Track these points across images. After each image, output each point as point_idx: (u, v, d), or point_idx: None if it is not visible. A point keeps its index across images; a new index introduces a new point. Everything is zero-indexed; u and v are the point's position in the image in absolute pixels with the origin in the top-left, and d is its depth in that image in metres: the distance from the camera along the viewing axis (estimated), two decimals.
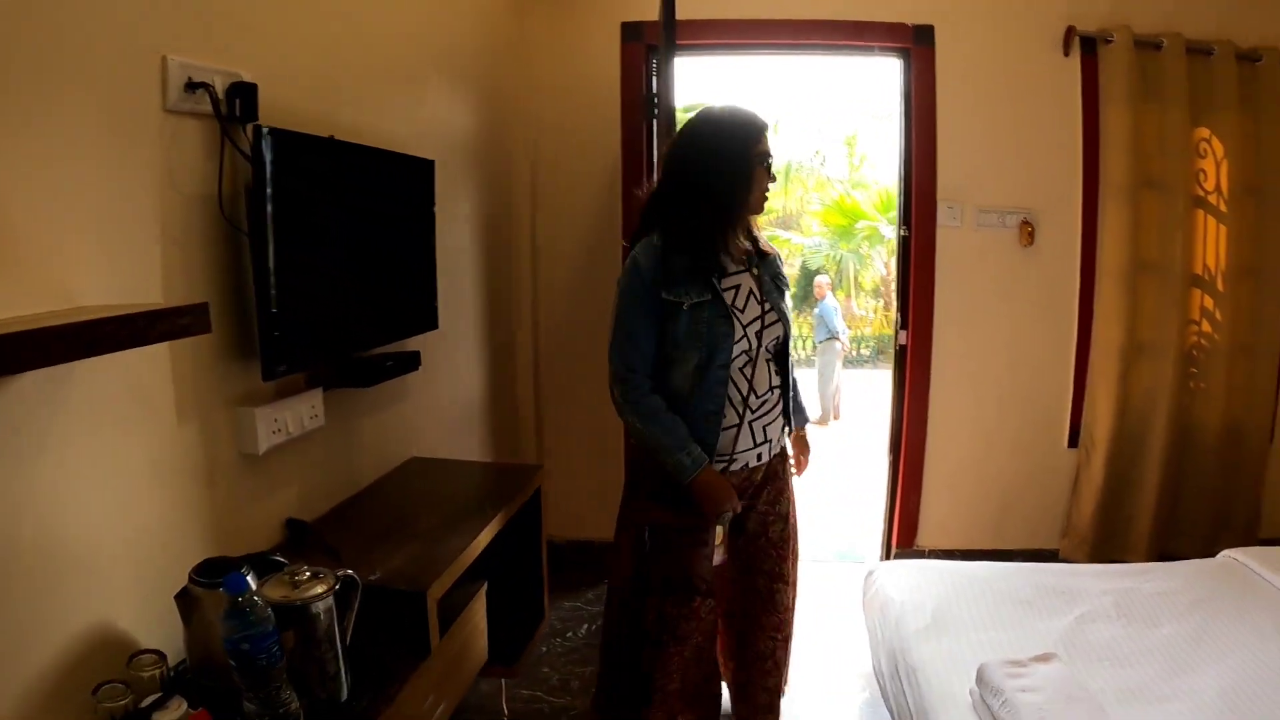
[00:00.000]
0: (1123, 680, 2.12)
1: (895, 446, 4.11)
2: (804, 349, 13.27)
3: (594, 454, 4.05)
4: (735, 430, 2.23)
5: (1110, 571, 2.88)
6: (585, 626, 3.50)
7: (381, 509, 2.42)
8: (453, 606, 2.14)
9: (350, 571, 1.71)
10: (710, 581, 2.29)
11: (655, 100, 3.47)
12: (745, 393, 2.22)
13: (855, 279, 18.86)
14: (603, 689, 2.44)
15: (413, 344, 2.70)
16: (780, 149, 19.33)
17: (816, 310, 10.11)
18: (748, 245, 2.30)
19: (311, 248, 2.08)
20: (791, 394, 2.42)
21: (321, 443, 2.32)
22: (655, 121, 3.45)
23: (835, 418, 9.98)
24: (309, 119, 2.15)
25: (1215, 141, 3.86)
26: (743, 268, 2.25)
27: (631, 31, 3.73)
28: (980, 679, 2.02)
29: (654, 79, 3.58)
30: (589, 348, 3.91)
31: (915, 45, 3.77)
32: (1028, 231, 3.84)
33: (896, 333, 4.06)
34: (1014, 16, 3.78)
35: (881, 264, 18.41)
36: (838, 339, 9.67)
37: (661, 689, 2.29)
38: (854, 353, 16.35)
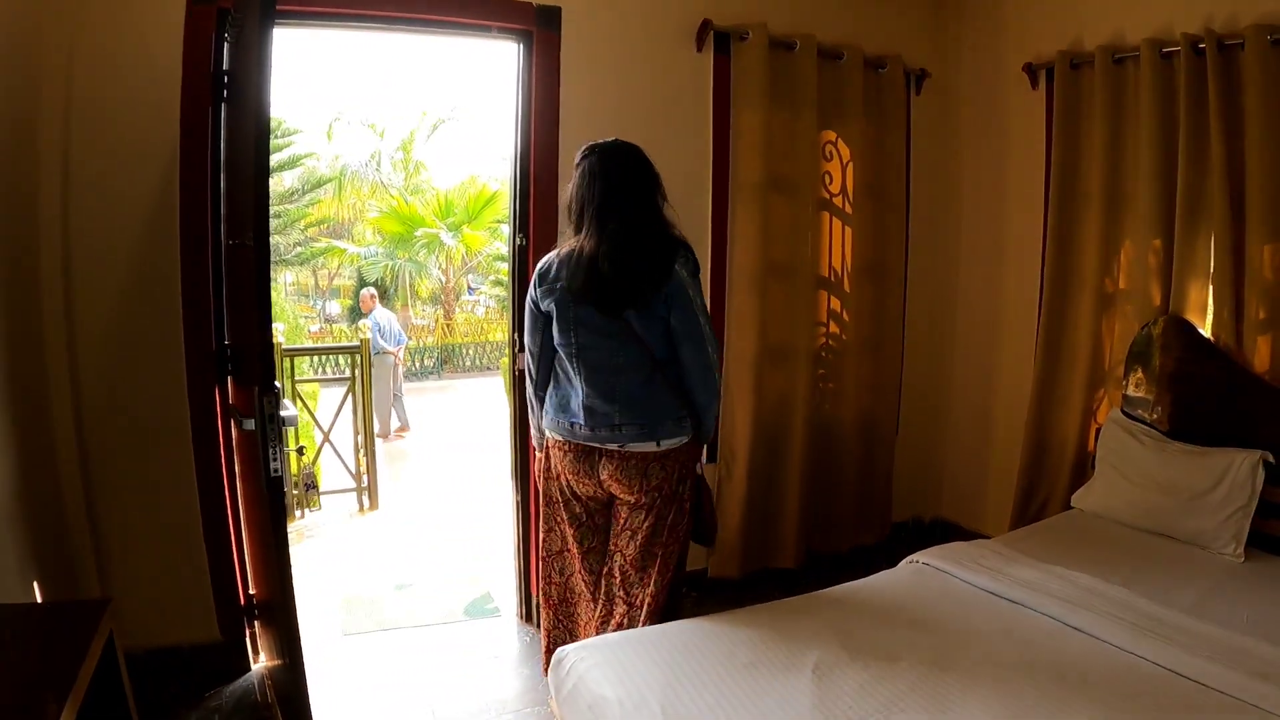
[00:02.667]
0: None
1: (523, 479, 3.63)
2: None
3: (168, 540, 3.13)
4: None
5: (812, 603, 2.66)
6: None
7: None
8: None
9: None
10: None
11: (226, 81, 2.82)
12: None
13: (412, 287, 18.48)
14: None
15: None
16: (334, 153, 18.40)
17: (359, 323, 9.65)
18: None
19: None
20: None
21: None
22: (224, 107, 2.82)
23: (405, 430, 9.56)
24: None
25: (841, 145, 3.96)
26: None
27: None
28: None
29: (224, 53, 2.88)
30: (152, 402, 3.05)
31: (539, 28, 3.41)
32: None
33: (514, 354, 3.51)
34: (648, 5, 3.58)
35: (439, 271, 18.19)
36: (390, 352, 9.28)
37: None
38: (416, 365, 15.94)
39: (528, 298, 2.63)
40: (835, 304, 4.05)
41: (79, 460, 2.99)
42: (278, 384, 2.16)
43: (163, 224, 3.00)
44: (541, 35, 3.41)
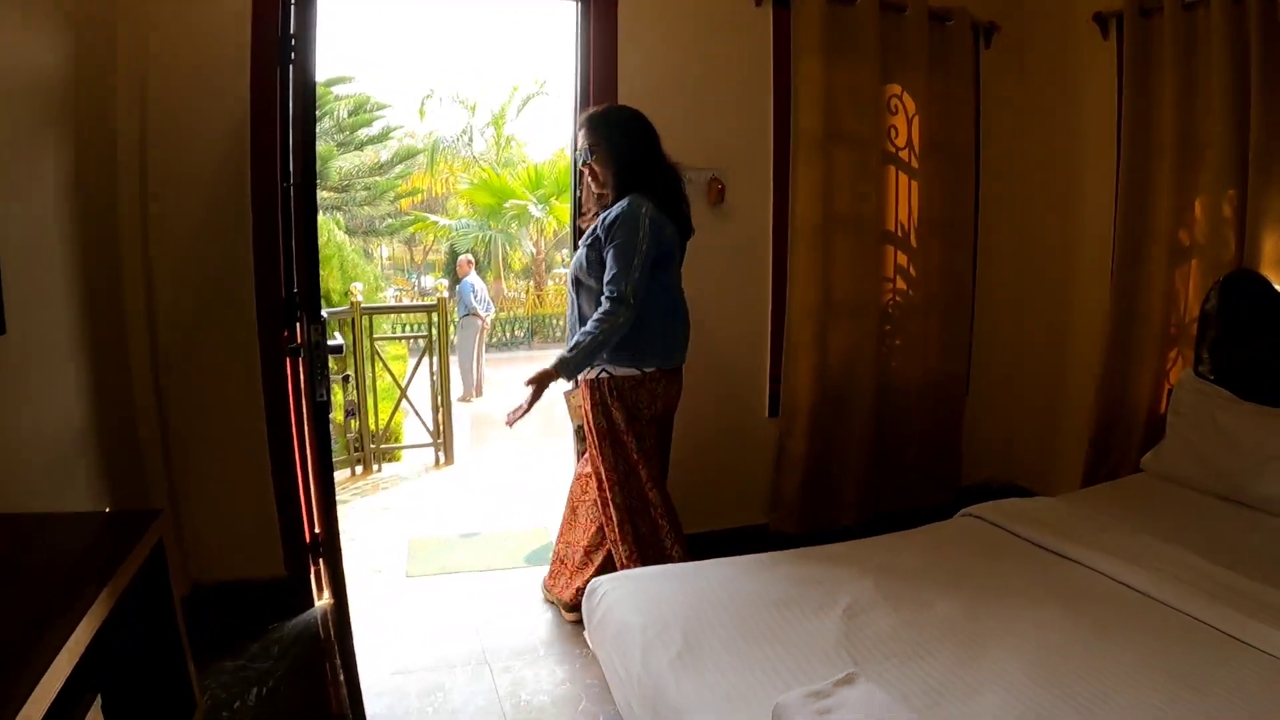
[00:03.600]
0: (922, 676, 1.88)
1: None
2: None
3: (238, 478, 3.29)
4: None
5: (855, 550, 2.69)
6: (254, 691, 2.77)
7: None
8: None
9: None
10: None
11: (293, 43, 2.89)
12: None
13: (505, 260, 18.77)
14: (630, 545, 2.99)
15: None
16: (427, 128, 18.80)
17: (456, 288, 10.06)
18: None
19: None
20: None
21: None
22: (292, 68, 2.89)
23: (478, 394, 9.77)
24: None
25: (906, 98, 3.90)
26: None
27: None
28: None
29: (290, 17, 2.96)
30: (225, 346, 3.20)
31: None
32: (717, 189, 3.65)
33: None
34: None
35: (530, 244, 18.45)
36: (477, 315, 9.63)
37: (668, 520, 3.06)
38: (507, 335, 16.23)
39: (649, 245, 2.84)
40: (902, 259, 4.00)
41: (155, 399, 3.17)
42: (325, 313, 2.26)
43: (235, 178, 3.14)
44: None
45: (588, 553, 3.24)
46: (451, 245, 18.87)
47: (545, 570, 3.56)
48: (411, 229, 19.41)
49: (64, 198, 2.60)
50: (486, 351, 10.58)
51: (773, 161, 3.74)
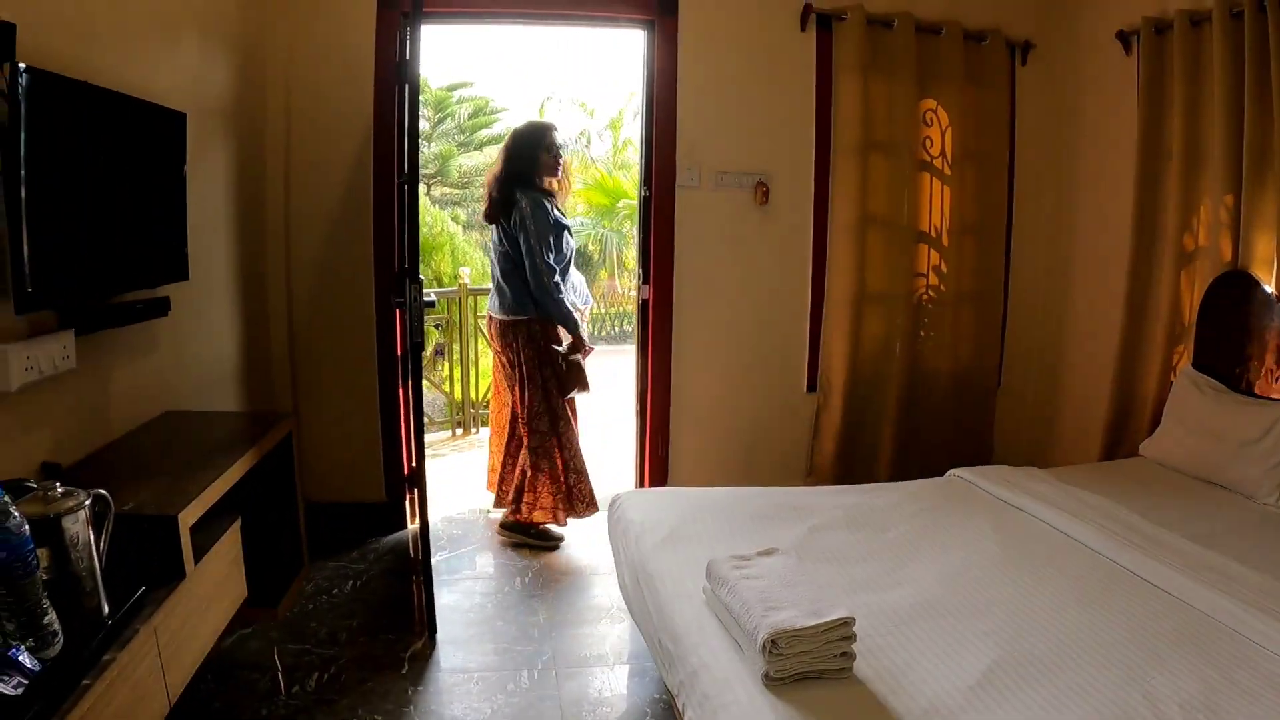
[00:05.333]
0: (850, 575, 2.33)
1: (643, 396, 4.32)
2: None
3: (351, 415, 4.03)
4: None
5: (843, 490, 3.14)
6: (350, 584, 3.50)
7: (134, 455, 2.42)
8: (207, 537, 2.17)
9: (102, 490, 1.74)
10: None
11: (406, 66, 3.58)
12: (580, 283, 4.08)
13: (619, 258, 19.24)
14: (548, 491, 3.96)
15: (163, 293, 2.68)
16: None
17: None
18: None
19: (64, 190, 2.07)
20: None
21: (74, 387, 2.30)
22: (406, 88, 3.56)
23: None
24: (66, 62, 2.12)
25: (941, 111, 4.27)
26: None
27: None
28: (709, 574, 2.15)
29: (405, 45, 3.66)
30: (346, 308, 3.95)
31: (660, 16, 3.97)
32: (762, 191, 4.12)
33: (640, 287, 4.29)
34: None
35: None
36: (576, 309, 9.91)
37: (574, 461, 3.99)
38: (618, 329, 16.76)
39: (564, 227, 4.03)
40: (935, 257, 4.36)
41: (288, 347, 3.95)
42: (434, 292, 2.94)
43: (361, 175, 3.88)
44: (662, 22, 3.98)
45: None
46: None
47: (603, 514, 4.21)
48: None
49: (230, 184, 3.40)
50: (595, 343, 10.91)
51: (814, 167, 4.18)
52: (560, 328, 3.94)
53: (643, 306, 4.30)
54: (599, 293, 18.08)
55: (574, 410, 4.07)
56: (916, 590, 2.26)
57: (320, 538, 3.78)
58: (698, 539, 2.57)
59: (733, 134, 4.13)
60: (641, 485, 4.38)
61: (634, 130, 19.16)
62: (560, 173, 4.02)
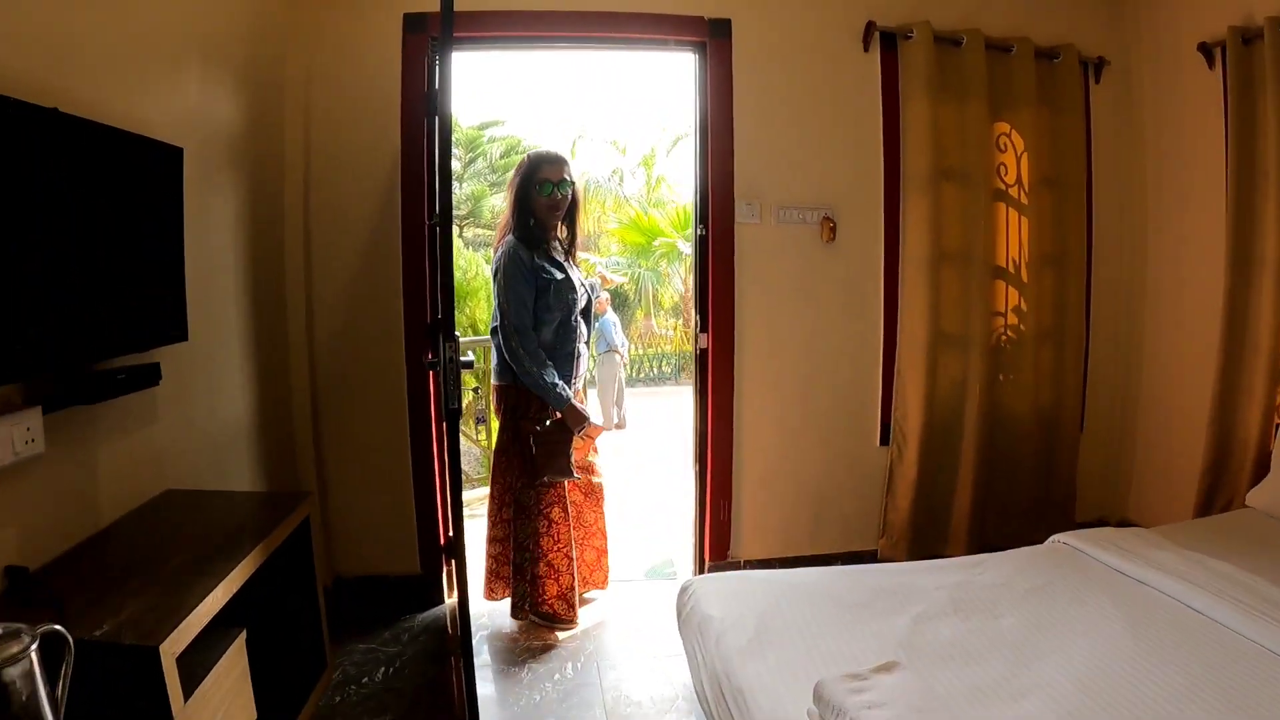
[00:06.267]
0: (972, 679, 2.00)
1: (702, 454, 3.97)
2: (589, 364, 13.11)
3: (381, 482, 3.68)
4: (578, 362, 3.52)
5: (940, 567, 2.81)
6: (381, 670, 3.13)
7: (124, 550, 2.04)
8: (205, 657, 1.81)
9: (57, 627, 1.36)
10: (573, 468, 3.45)
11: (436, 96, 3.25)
12: (577, 337, 3.50)
13: (655, 297, 19.05)
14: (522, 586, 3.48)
15: (158, 357, 2.32)
16: (579, 169, 19.38)
17: (596, 325, 10.19)
18: (561, 249, 3.56)
19: (28, 236, 1.72)
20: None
21: (45, 475, 1.93)
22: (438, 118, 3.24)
23: (620, 427, 10.04)
24: (38, 89, 1.81)
25: (1015, 135, 3.97)
26: (565, 260, 3.53)
27: (414, 23, 3.48)
28: (818, 698, 1.82)
29: (435, 73, 3.34)
30: (373, 363, 3.61)
31: (711, 39, 3.68)
32: (829, 227, 3.80)
33: (696, 335, 3.92)
34: (812, 11, 3.75)
35: (680, 281, 18.68)
36: (617, 351, 9.94)
37: (558, 559, 3.47)
38: (655, 370, 16.50)
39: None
40: (1013, 294, 4.04)
41: (311, 407, 3.60)
42: (458, 333, 2.55)
43: (388, 217, 3.56)
44: (714, 45, 3.68)
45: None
46: (602, 281, 19.28)
47: (664, 583, 3.87)
48: None
49: (241, 229, 3.05)
50: (634, 386, 10.78)
51: (883, 200, 3.87)
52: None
53: (701, 357, 3.92)
54: (635, 334, 17.95)
55: (561, 501, 3.51)
56: (1051, 700, 1.89)
57: (349, 616, 3.48)
58: (789, 638, 2.20)
59: (795, 165, 3.81)
60: (702, 552, 4.03)
61: (667, 167, 19.09)
62: (559, 214, 3.48)
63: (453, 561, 3.54)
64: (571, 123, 25.26)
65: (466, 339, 7.27)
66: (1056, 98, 3.97)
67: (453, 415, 2.51)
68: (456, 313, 3.38)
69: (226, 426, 2.97)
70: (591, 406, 10.13)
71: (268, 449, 3.27)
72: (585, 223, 3.78)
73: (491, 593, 3.61)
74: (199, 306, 2.52)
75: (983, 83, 3.79)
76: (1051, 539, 2.99)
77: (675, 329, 18.67)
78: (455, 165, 14.72)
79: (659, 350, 17.48)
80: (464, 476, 6.10)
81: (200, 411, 2.75)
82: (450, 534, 3.58)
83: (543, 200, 3.38)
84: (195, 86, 2.73)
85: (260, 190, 3.24)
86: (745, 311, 3.83)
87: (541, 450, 3.38)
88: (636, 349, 16.70)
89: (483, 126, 17.48)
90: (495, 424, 3.79)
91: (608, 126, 20.35)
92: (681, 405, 12.72)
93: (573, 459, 3.45)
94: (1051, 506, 4.18)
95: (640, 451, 8.74)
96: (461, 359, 2.51)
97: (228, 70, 2.97)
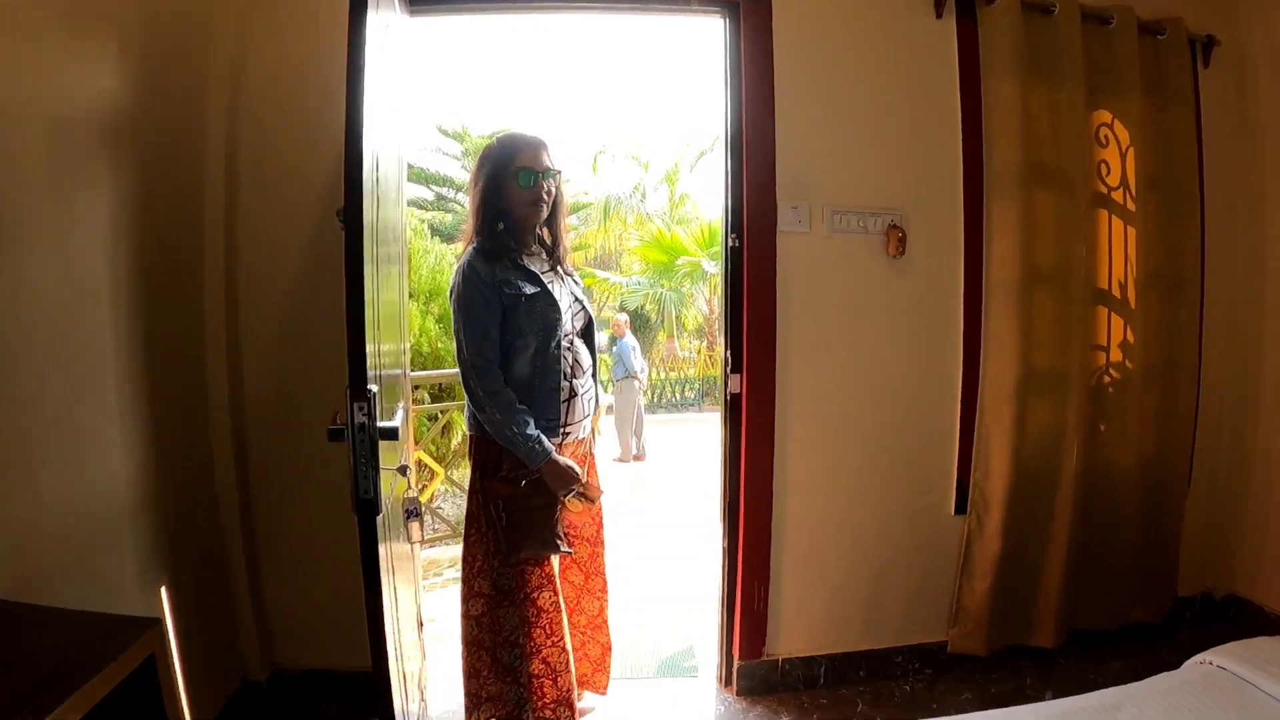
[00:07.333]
0: None
1: (732, 525, 3.16)
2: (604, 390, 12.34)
3: (330, 557, 2.88)
4: (569, 402, 2.61)
5: (1065, 713, 2.08)
6: None
7: None
8: None
9: None
10: (560, 540, 2.58)
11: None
12: (571, 366, 2.63)
13: (678, 319, 18.54)
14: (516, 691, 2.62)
15: None
16: (599, 185, 18.84)
17: (614, 349, 9.76)
18: (545, 256, 2.71)
19: None
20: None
21: None
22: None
23: (639, 458, 9.52)
24: None
25: (1118, 126, 3.25)
26: (549, 270, 2.67)
27: None
28: None
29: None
30: (319, 411, 2.80)
31: (745, 0, 2.92)
32: (897, 238, 3.02)
33: (726, 376, 3.10)
34: None
35: (704, 302, 18.18)
36: (636, 378, 9.48)
37: (554, 654, 2.59)
38: (678, 395, 15.90)
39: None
40: (1117, 323, 3.30)
41: (234, 468, 2.85)
42: (372, 388, 1.76)
43: (330, 230, 2.75)
44: (749, 7, 2.92)
45: None
46: (622, 302, 18.79)
47: (678, 682, 3.13)
48: (588, 286, 19.39)
49: (125, 238, 2.28)
50: (654, 412, 10.25)
51: (964, 202, 3.10)
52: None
53: (732, 403, 3.09)
54: (657, 357, 17.42)
55: (550, 582, 2.61)
56: None
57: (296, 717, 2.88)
58: None
59: (852, 156, 3.03)
60: (729, 647, 3.21)
61: (691, 184, 18.55)
62: (542, 211, 2.63)
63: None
64: (593, 136, 24.84)
65: (424, 373, 6.35)
66: (1163, 82, 3.26)
67: (364, 509, 1.72)
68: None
69: (93, 504, 2.15)
70: (609, 437, 9.57)
71: (163, 526, 2.47)
72: (606, 240, 2.97)
73: None
74: (38, 344, 1.78)
75: (1078, 62, 3.07)
76: (1196, 659, 2.28)
77: (699, 352, 18.16)
78: (465, 176, 14.28)
79: (681, 375, 16.84)
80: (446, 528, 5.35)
81: (46, 487, 1.95)
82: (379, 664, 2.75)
83: (523, 193, 2.55)
84: (51, 47, 1.98)
85: (164, 188, 2.50)
86: (789, 346, 3.03)
87: (516, 520, 2.53)
88: (658, 373, 16.06)
89: (495, 135, 17.02)
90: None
91: (629, 140, 19.87)
92: (705, 434, 12.00)
93: (560, 528, 2.59)
94: (1152, 578, 3.46)
95: (659, 491, 7.95)
96: (384, 424, 1.73)
97: (107, 28, 2.22)
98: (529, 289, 2.53)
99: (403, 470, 2.28)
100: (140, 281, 2.34)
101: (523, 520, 2.53)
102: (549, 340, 2.54)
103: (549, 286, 2.59)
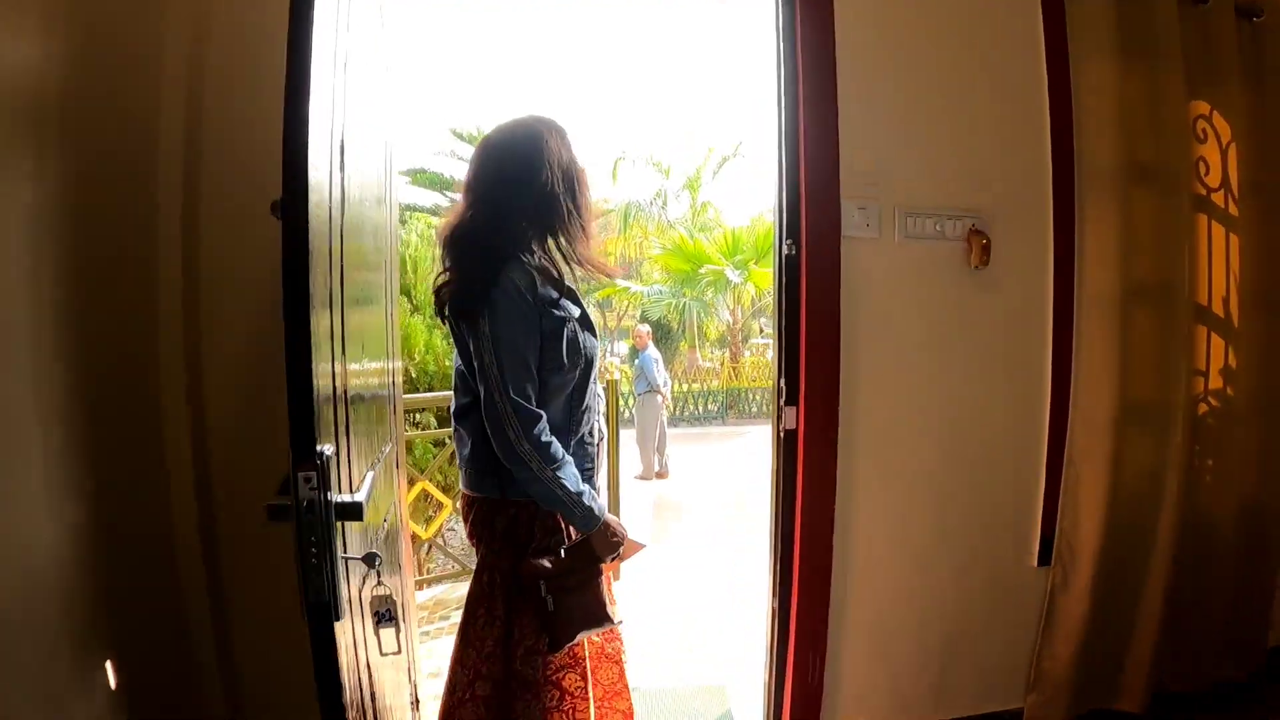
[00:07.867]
0: None
1: (784, 580, 2.69)
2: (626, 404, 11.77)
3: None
4: (599, 446, 2.17)
5: None
6: None
7: None
8: None
9: None
10: (609, 612, 2.10)
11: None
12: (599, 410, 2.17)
13: (700, 329, 18.24)
14: None
15: None
16: (619, 192, 18.55)
17: (636, 361, 9.45)
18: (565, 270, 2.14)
19: None
20: None
21: None
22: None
23: (662, 476, 9.19)
24: None
25: (1218, 119, 2.86)
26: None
27: None
28: None
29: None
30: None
31: None
32: (980, 245, 2.59)
33: (780, 411, 2.62)
34: None
35: (727, 312, 17.88)
36: (659, 392, 9.16)
37: None
38: (700, 409, 15.56)
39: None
40: (1217, 344, 2.90)
41: (197, 512, 2.36)
42: (324, 448, 1.24)
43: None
44: None
45: None
46: (643, 312, 18.47)
47: None
48: (600, 294, 19.08)
49: (53, 232, 1.83)
50: (676, 426, 9.90)
51: (1053, 203, 2.67)
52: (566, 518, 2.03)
53: (787, 441, 2.61)
54: (679, 368, 17.06)
55: (578, 663, 2.14)
56: None
57: None
58: None
59: (927, 147, 2.61)
60: (778, 713, 2.75)
61: (713, 191, 18.22)
62: (585, 228, 2.13)
63: None
64: (613, 143, 24.56)
65: (430, 395, 5.30)
66: (1259, 70, 2.88)
67: (317, 612, 1.22)
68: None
69: (7, 585, 1.72)
70: (629, 452, 9.14)
71: (105, 597, 2.04)
72: (626, 248, 2.52)
73: None
74: None
75: (1175, 43, 2.68)
76: None
77: (722, 362, 17.82)
78: None
79: (705, 386, 16.42)
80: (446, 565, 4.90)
81: None
82: None
83: (592, 213, 2.13)
84: None
85: (105, 174, 2.07)
86: (856, 375, 2.59)
87: (566, 600, 2.04)
88: (680, 385, 15.65)
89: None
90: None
91: (649, 146, 19.68)
92: (731, 450, 11.58)
93: (606, 596, 2.11)
94: (1242, 632, 3.09)
95: (684, 514, 7.49)
96: (343, 499, 1.24)
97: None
98: (574, 310, 2.05)
99: (370, 560, 1.65)
100: (71, 284, 1.89)
101: (572, 600, 2.05)
102: (588, 375, 2.08)
103: (584, 306, 2.13)
